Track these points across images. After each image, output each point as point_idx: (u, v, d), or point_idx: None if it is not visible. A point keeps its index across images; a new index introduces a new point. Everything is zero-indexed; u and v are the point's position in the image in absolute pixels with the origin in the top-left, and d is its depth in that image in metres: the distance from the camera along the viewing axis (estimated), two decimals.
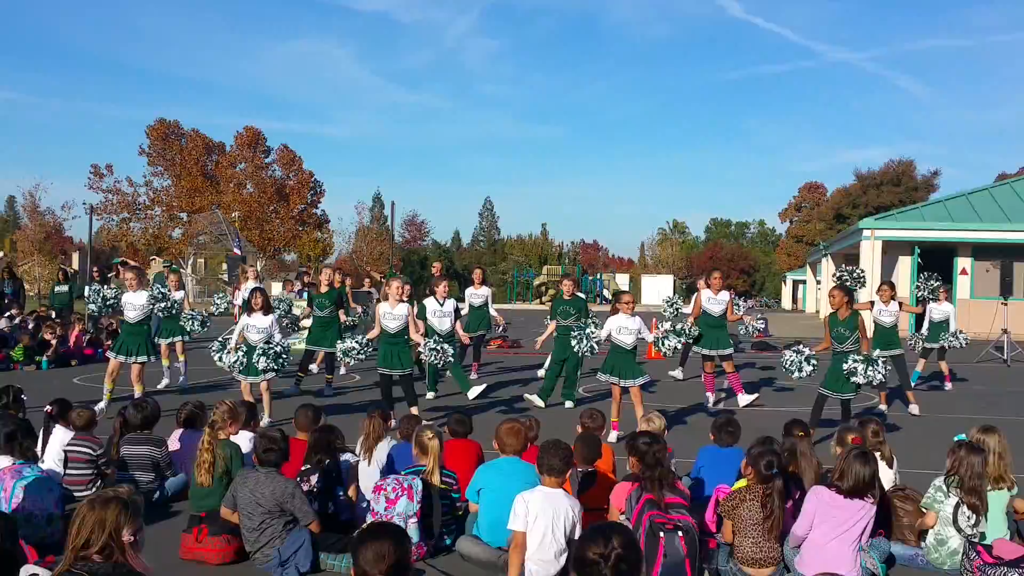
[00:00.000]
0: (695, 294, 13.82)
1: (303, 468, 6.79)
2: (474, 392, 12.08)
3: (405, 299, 11.28)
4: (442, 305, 13.15)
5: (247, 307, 11.49)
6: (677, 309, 16.69)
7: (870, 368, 10.00)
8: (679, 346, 11.41)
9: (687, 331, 12.07)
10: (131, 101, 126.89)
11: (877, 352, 12.02)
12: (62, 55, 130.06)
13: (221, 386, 14.35)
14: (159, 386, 13.90)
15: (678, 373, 16.37)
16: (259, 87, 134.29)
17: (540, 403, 12.56)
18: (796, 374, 10.60)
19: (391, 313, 11.09)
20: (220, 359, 11.36)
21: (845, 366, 10.05)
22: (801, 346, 10.95)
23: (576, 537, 5.40)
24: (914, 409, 12.73)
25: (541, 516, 5.39)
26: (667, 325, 11.50)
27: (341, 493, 6.68)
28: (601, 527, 3.68)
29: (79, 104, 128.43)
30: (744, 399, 12.70)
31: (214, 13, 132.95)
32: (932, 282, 15.51)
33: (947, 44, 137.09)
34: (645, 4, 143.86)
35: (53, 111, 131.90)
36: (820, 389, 10.39)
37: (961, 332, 15.55)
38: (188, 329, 14.09)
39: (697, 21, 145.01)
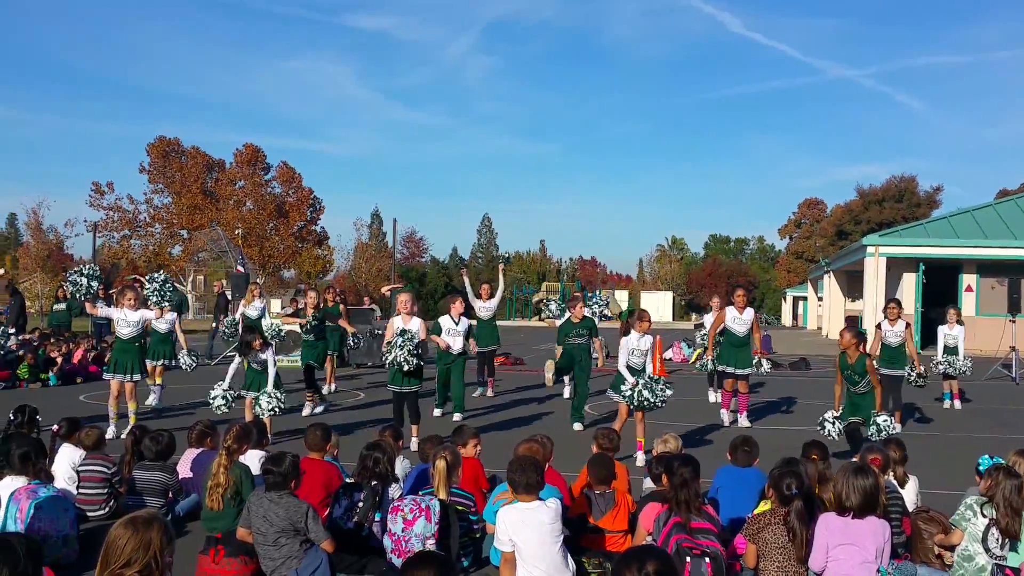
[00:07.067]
0: (709, 313, 13.69)
1: (348, 483, 6.67)
2: (459, 416, 12.31)
3: (415, 313, 11.20)
4: (457, 324, 13.05)
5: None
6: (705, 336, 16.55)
7: (836, 425, 10.18)
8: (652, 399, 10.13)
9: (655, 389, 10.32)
10: (132, 119, 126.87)
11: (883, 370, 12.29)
12: (62, 72, 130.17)
13: (196, 406, 13.79)
14: (147, 402, 13.78)
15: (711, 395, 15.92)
16: (259, 105, 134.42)
17: (580, 427, 12.49)
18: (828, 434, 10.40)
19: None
20: (223, 405, 10.83)
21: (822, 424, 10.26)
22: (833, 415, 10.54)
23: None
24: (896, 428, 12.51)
25: (522, 534, 5.37)
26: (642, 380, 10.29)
27: (379, 517, 6.54)
28: (637, 551, 3.64)
29: (80, 122, 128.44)
30: (744, 422, 12.92)
31: (214, 31, 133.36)
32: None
33: (947, 61, 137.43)
34: (644, 21, 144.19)
35: (54, 128, 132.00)
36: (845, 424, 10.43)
37: (967, 358, 15.47)
38: (182, 365, 14.22)
39: (696, 38, 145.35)
